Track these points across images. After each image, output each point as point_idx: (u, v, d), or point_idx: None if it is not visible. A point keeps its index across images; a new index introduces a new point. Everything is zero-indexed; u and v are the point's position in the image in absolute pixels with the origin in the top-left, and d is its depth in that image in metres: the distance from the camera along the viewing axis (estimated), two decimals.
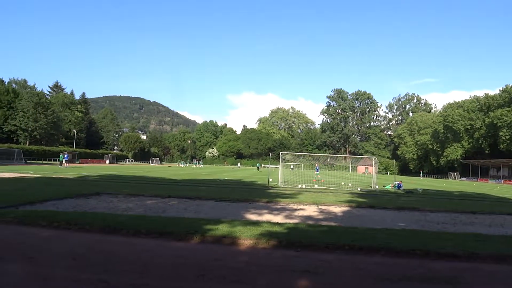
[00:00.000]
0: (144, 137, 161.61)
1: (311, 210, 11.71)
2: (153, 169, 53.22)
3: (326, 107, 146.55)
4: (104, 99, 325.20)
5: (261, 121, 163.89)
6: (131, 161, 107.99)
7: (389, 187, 26.08)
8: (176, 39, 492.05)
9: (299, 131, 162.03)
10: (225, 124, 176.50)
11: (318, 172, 37.35)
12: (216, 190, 17.37)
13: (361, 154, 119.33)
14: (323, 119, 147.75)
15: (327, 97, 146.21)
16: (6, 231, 6.90)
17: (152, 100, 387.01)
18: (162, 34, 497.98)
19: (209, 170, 56.67)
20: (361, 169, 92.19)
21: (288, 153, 37.40)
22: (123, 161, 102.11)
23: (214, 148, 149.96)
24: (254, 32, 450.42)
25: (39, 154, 71.76)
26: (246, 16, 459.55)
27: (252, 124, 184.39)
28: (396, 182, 24.67)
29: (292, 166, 41.43)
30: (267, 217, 9.80)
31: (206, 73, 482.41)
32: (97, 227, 7.09)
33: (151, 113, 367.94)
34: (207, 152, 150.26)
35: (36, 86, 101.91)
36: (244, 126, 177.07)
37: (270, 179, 24.75)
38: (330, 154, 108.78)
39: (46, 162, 65.36)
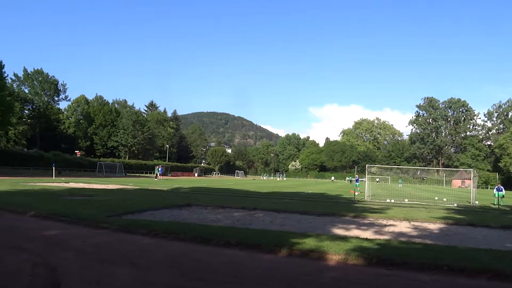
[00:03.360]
0: (229, 151, 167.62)
1: (402, 226, 11.07)
2: (238, 182, 54.82)
3: (415, 117, 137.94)
4: (192, 115, 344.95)
5: (345, 133, 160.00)
6: (218, 174, 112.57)
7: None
8: (257, 56, 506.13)
9: (385, 142, 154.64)
10: (308, 137, 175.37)
11: (358, 184, 35.21)
12: (300, 203, 17.31)
13: (456, 167, 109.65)
14: (412, 129, 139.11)
15: (417, 106, 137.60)
16: (113, 237, 7.66)
17: (236, 115, 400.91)
18: (244, 52, 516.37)
19: (292, 183, 56.69)
20: (456, 182, 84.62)
21: (374, 166, 35.88)
22: (210, 174, 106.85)
23: (297, 161, 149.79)
24: (335, 43, 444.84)
25: (137, 167, 78.52)
26: (325, 28, 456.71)
27: (335, 137, 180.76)
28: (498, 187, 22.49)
29: (378, 179, 39.71)
30: (355, 232, 9.50)
31: (289, 88, 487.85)
32: (190, 236, 7.52)
33: (236, 127, 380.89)
34: (290, 165, 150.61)
35: (134, 105, 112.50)
36: (327, 138, 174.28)
37: (356, 193, 23.95)
38: (420, 166, 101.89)
39: (143, 174, 71.16)
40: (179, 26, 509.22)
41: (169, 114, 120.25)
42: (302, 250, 6.43)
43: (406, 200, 22.50)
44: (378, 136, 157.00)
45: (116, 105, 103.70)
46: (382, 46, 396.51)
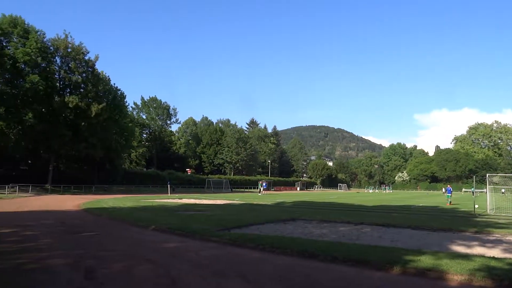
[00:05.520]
0: (330, 163, 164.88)
1: None
2: (341, 195, 53.45)
3: None
4: (292, 130, 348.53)
5: (458, 140, 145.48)
6: (320, 187, 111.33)
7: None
8: (355, 65, 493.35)
9: (509, 148, 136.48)
10: (415, 146, 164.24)
11: (450, 195, 30.66)
12: (411, 218, 16.14)
13: None
14: None
15: None
16: (224, 251, 8.04)
17: (336, 127, 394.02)
18: (342, 62, 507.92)
19: (400, 196, 53.31)
20: None
21: (496, 175, 31.86)
22: (312, 188, 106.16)
23: (404, 172, 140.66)
24: (442, 42, 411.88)
25: (241, 183, 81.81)
26: (428, 30, 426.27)
27: (447, 144, 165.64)
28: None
29: (503, 190, 35.10)
30: (478, 250, 8.50)
31: (391, 95, 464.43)
32: (296, 251, 7.51)
33: (336, 139, 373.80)
34: (396, 177, 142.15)
35: (237, 124, 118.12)
36: (437, 146, 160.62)
37: (476, 206, 21.50)
38: None
39: (247, 189, 73.77)
40: (274, 42, 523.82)
41: (269, 130, 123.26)
42: (417, 269, 5.95)
43: None
44: (499, 141, 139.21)
45: (220, 125, 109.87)
46: (497, 38, 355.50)
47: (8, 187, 33.41)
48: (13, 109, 37.46)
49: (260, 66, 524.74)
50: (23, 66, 38.61)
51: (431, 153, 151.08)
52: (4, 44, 38.83)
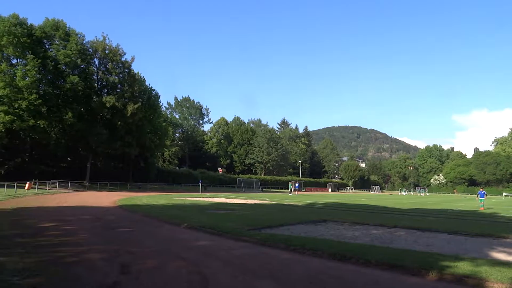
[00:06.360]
0: (363, 165, 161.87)
1: None
2: (374, 197, 52.36)
3: None
4: (323, 130, 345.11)
5: (499, 142, 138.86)
6: (352, 189, 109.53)
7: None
8: (391, 66, 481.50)
9: None
10: (452, 148, 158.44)
11: (483, 198, 28.50)
12: (448, 222, 15.60)
13: None
14: None
15: None
16: (254, 250, 8.06)
17: (369, 128, 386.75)
18: (376, 63, 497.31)
19: (436, 199, 51.56)
20: None
21: None
22: (344, 189, 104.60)
23: (440, 174, 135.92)
24: (483, 39, 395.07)
25: (272, 183, 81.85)
26: (464, 26, 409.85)
27: (486, 146, 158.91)
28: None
29: None
30: None
31: (428, 95, 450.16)
32: (327, 253, 7.42)
33: (369, 140, 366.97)
34: (432, 179, 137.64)
35: (268, 124, 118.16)
36: (476, 149, 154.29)
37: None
38: None
39: (278, 190, 73.68)
40: (308, 44, 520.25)
41: (301, 131, 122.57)
42: (454, 275, 5.74)
43: None
44: None
45: (251, 125, 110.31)
46: None
47: (49, 183, 34.97)
48: (54, 108, 39.18)
49: (295, 67, 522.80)
50: (64, 67, 40.35)
51: (469, 156, 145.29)
52: (47, 46, 40.73)
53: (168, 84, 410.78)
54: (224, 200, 27.75)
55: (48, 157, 46.95)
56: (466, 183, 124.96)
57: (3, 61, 36.71)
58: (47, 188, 34.03)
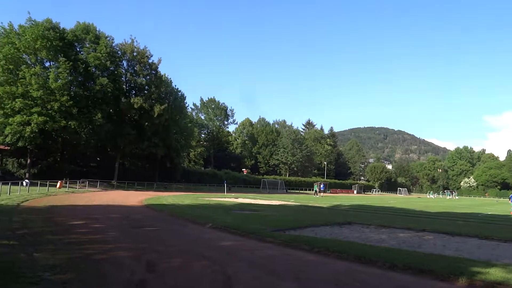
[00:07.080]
0: (390, 167, 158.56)
1: None
2: (401, 200, 51.23)
3: None
4: (349, 131, 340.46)
5: None
6: (378, 191, 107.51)
7: None
8: (418, 67, 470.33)
9: None
10: (483, 150, 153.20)
11: None
12: (478, 226, 15.09)
13: None
14: None
15: None
16: (278, 251, 8.05)
17: (396, 129, 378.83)
18: (400, 64, 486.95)
19: (466, 202, 49.98)
20: None
21: None
22: (370, 191, 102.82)
23: (471, 177, 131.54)
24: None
25: (296, 184, 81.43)
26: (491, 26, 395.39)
27: None
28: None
29: None
30: None
31: (458, 96, 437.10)
32: (353, 256, 7.32)
33: (396, 142, 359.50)
34: (462, 182, 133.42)
35: (293, 125, 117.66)
36: (509, 151, 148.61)
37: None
38: None
39: (302, 191, 73.26)
40: (334, 44, 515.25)
41: (326, 132, 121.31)
42: (486, 282, 5.54)
43: None
44: None
45: (276, 126, 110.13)
46: None
47: (79, 182, 36.08)
48: (85, 109, 40.36)
49: (319, 67, 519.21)
50: (94, 69, 41.49)
51: (502, 158, 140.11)
52: (78, 49, 42.03)
53: (194, 85, 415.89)
54: (248, 201, 27.81)
55: (78, 157, 48.45)
56: (498, 187, 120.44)
57: (37, 64, 38.08)
58: (77, 187, 35.11)
